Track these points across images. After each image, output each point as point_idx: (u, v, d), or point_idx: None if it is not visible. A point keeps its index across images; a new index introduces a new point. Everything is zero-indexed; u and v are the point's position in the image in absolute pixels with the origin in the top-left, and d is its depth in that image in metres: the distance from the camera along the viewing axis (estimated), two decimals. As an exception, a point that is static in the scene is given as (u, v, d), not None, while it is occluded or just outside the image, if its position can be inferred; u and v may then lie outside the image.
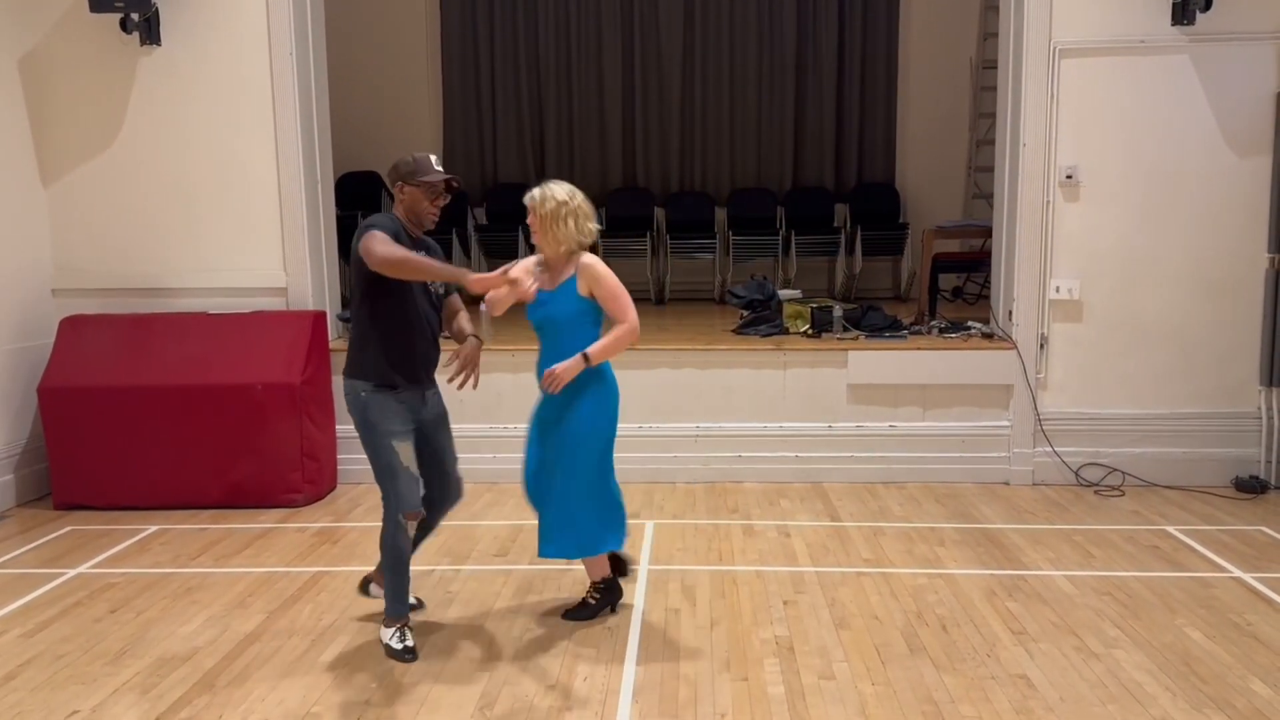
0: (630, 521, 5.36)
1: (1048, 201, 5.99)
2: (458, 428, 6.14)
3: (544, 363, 3.93)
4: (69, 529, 5.46)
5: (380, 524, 3.89)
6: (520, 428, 6.12)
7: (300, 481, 5.77)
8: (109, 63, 6.13)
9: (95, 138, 6.20)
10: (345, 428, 6.18)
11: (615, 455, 6.22)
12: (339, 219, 6.81)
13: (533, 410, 4.08)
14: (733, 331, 6.76)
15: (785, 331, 6.59)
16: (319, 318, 6.07)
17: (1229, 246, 5.95)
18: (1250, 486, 5.87)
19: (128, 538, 5.28)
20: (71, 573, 4.78)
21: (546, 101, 9.94)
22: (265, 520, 5.54)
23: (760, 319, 6.80)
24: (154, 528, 5.44)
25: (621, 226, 9.53)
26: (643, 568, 4.75)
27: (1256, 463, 5.98)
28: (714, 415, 6.22)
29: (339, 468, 6.19)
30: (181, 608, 4.34)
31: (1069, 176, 5.95)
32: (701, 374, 6.23)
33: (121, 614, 4.28)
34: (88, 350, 5.92)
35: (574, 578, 4.60)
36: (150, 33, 6.00)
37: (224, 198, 6.19)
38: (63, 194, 6.26)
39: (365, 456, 6.30)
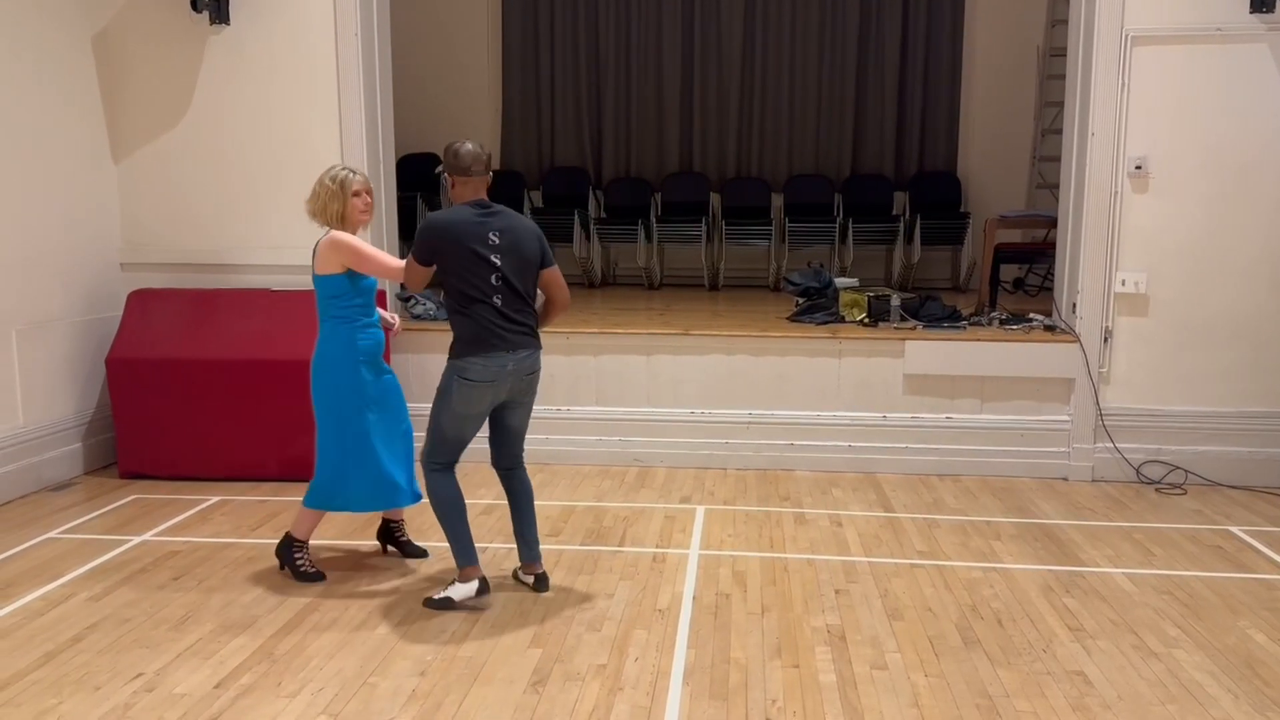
0: (681, 506, 5.44)
1: (1115, 192, 5.86)
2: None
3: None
4: (133, 497, 5.60)
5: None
6: (573, 409, 6.22)
7: (357, 457, 5.85)
8: (179, 41, 6.24)
9: (164, 115, 6.32)
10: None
11: (668, 439, 6.26)
12: (398, 199, 6.88)
13: None
14: (788, 319, 6.72)
15: (841, 320, 6.54)
16: (379, 296, 6.12)
17: (1304, 242, 5.79)
18: (1319, 489, 5.73)
19: (190, 507, 5.41)
20: (136, 540, 4.91)
21: (605, 84, 9.93)
22: (323, 494, 5.62)
23: (816, 307, 6.76)
24: (215, 498, 5.55)
25: (677, 212, 9.51)
26: (693, 552, 4.76)
27: (1326, 464, 5.83)
28: (767, 403, 6.19)
29: (395, 445, 6.27)
30: (242, 577, 4.44)
31: (1138, 167, 5.82)
32: (755, 361, 6.21)
33: (184, 581, 4.39)
34: (154, 323, 6.05)
35: (625, 559, 4.63)
36: (219, 12, 6.09)
37: (289, 176, 6.26)
38: (132, 170, 6.39)
39: (418, 434, 6.44)
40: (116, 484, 5.85)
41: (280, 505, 5.43)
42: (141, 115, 6.34)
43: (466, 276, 3.91)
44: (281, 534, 4.53)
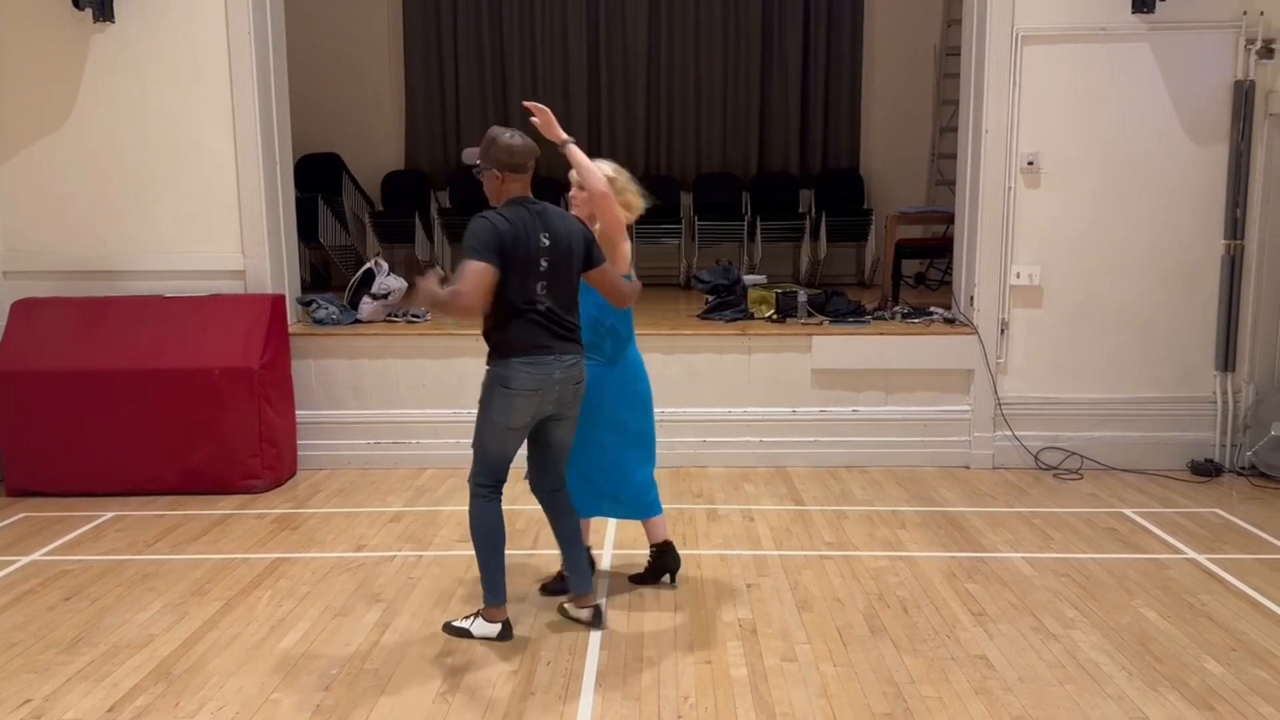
0: (594, 506, 5.41)
1: (1009, 188, 6.03)
2: (422, 412, 6.16)
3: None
4: (21, 516, 5.35)
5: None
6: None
7: (259, 467, 5.69)
8: (60, 40, 5.98)
9: (46, 117, 6.05)
10: (304, 413, 6.14)
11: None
12: (298, 200, 6.72)
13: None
14: (698, 316, 6.75)
15: (750, 316, 6.60)
16: (278, 301, 5.98)
17: (1186, 233, 6.02)
18: (1205, 470, 5.97)
19: (83, 524, 5.19)
20: (24, 560, 4.69)
21: (510, 82, 9.85)
22: (223, 506, 5.46)
23: (725, 304, 6.81)
24: (110, 514, 5.35)
25: (586, 211, 9.47)
26: (607, 552, 4.74)
27: (1211, 446, 6.07)
28: (679, 400, 6.21)
29: (299, 453, 6.12)
30: (137, 595, 4.27)
31: (1030, 163, 5.99)
32: (667, 359, 6.21)
33: (76, 601, 4.21)
34: (40, 334, 5.80)
35: (538, 562, 4.58)
36: (103, 9, 5.85)
37: (180, 179, 6.07)
38: (13, 174, 6.10)
39: (323, 443, 6.27)
40: (3, 503, 5.58)
41: (178, 519, 5.26)
42: (21, 117, 6.05)
43: (519, 281, 3.58)
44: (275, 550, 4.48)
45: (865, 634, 3.85)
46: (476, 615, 3.87)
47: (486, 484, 3.78)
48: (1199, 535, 4.96)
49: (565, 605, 4.02)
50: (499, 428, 3.70)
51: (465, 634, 3.84)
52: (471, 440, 3.78)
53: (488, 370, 3.71)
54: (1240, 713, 3.27)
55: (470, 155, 3.74)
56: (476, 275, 3.48)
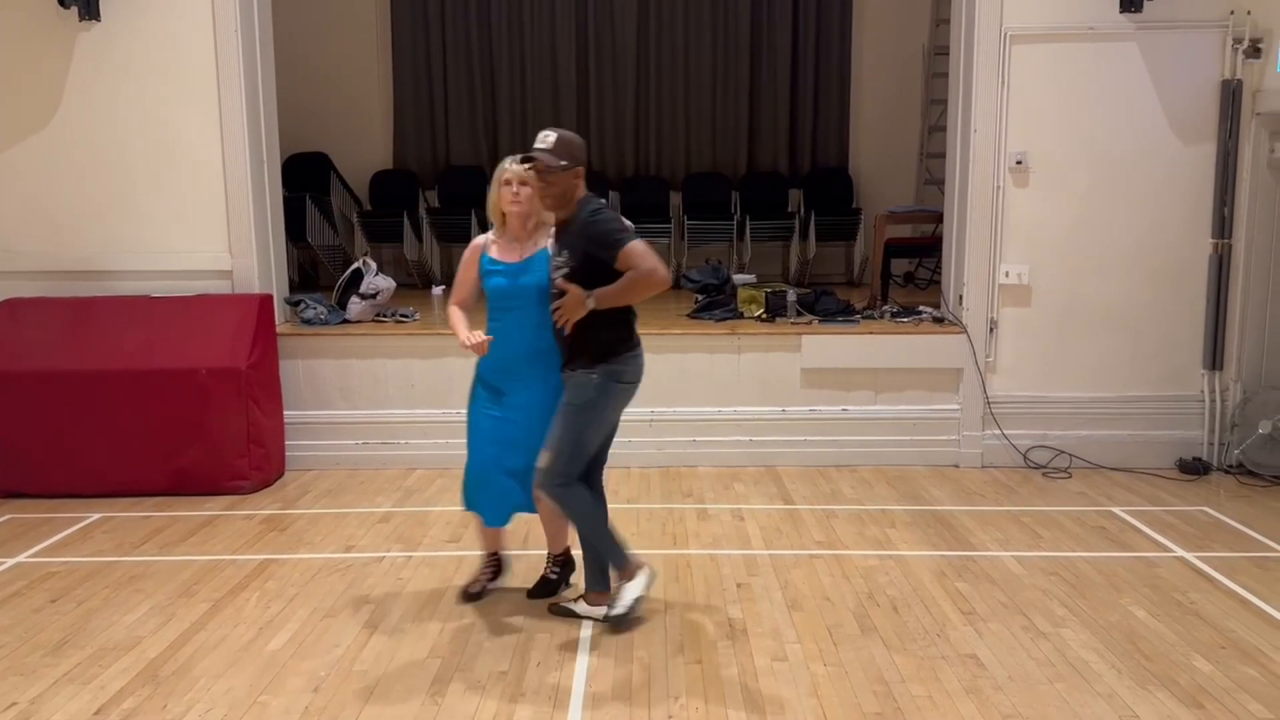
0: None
1: (998, 187, 6.04)
2: (410, 412, 6.14)
3: (504, 335, 3.85)
4: (7, 517, 5.31)
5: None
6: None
7: (247, 468, 5.67)
8: (46, 38, 5.94)
9: (32, 115, 6.01)
10: (292, 413, 6.11)
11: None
12: (286, 200, 6.69)
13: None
14: (687, 316, 6.74)
15: (740, 316, 6.59)
16: (265, 301, 5.96)
17: (1174, 232, 6.04)
18: (1193, 468, 5.99)
19: (69, 526, 5.16)
20: (10, 562, 4.66)
21: (499, 81, 9.83)
22: (211, 507, 5.44)
23: (715, 303, 6.80)
24: (96, 515, 5.31)
25: (575, 210, 9.45)
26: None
27: (1199, 445, 6.09)
28: (669, 400, 6.20)
29: (287, 454, 6.09)
30: (124, 597, 4.25)
31: (1019, 162, 6.00)
32: (656, 358, 6.10)
33: (62, 604, 4.18)
34: (27, 334, 5.76)
35: (527, 562, 4.57)
36: (89, 7, 5.82)
37: (167, 178, 6.04)
38: (-2, 173, 6.08)
39: (311, 443, 6.26)
40: (-12, 504, 5.56)
41: (165, 520, 5.23)
42: (6, 116, 6.01)
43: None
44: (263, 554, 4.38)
45: (855, 633, 3.85)
46: (618, 591, 3.86)
47: (573, 475, 3.80)
48: (1188, 533, 4.97)
49: (569, 604, 4.02)
50: (607, 423, 3.85)
51: (627, 612, 3.85)
52: (557, 442, 3.74)
53: (597, 369, 3.71)
54: (1230, 710, 3.28)
55: (550, 159, 3.65)
56: (648, 248, 3.66)
